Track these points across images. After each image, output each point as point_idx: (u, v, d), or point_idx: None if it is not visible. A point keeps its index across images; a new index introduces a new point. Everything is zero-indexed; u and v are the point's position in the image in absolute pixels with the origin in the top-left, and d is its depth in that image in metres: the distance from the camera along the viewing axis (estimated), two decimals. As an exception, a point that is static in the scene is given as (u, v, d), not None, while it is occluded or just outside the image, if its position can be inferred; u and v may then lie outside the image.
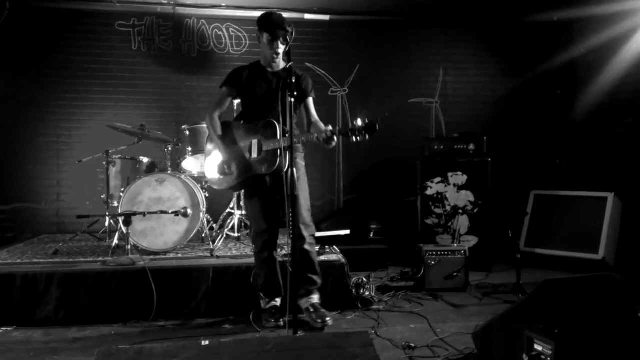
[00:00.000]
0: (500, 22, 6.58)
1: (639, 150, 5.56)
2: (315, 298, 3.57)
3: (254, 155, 3.44)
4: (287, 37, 3.24)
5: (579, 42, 6.42)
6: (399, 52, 6.45)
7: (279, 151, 3.31)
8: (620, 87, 5.86)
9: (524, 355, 2.33)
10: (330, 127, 3.21)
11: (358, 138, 3.03)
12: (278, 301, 3.63)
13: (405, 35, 6.50)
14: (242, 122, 3.61)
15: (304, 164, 3.67)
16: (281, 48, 3.45)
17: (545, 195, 5.63)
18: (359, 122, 3.03)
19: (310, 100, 3.63)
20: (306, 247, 3.48)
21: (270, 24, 3.38)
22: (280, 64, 3.55)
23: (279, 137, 3.33)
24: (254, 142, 3.46)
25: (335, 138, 3.19)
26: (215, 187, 3.64)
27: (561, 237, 5.31)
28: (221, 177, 3.54)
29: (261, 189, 3.51)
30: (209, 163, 3.68)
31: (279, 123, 3.35)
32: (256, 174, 3.41)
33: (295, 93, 3.45)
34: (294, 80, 3.29)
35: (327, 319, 3.43)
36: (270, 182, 3.48)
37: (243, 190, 3.70)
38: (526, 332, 2.35)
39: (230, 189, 3.65)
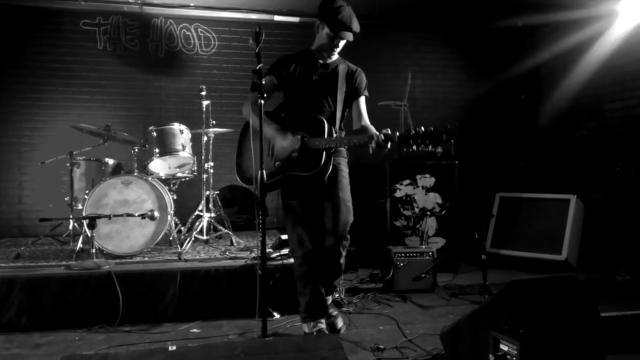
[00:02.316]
0: (467, 28, 6.70)
1: (599, 153, 5.73)
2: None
3: (294, 153, 3.12)
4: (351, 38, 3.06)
5: (543, 47, 6.58)
6: (368, 54, 6.49)
7: (323, 152, 3.06)
8: (582, 92, 6.03)
9: (490, 356, 2.37)
10: (387, 131, 2.91)
11: (420, 147, 2.81)
12: (323, 322, 3.24)
13: (375, 38, 6.55)
14: (282, 115, 3.31)
15: (347, 170, 3.38)
16: (341, 46, 3.21)
17: (510, 197, 5.74)
18: (423, 128, 2.81)
19: (363, 99, 3.38)
20: (342, 260, 3.33)
21: (337, 23, 3.06)
22: (335, 56, 3.28)
23: (325, 136, 3.07)
24: (296, 138, 3.13)
25: (390, 145, 2.90)
26: (251, 186, 3.15)
27: (526, 238, 5.42)
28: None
29: (300, 191, 3.20)
30: (247, 159, 3.21)
31: (326, 120, 3.11)
32: (293, 174, 3.12)
33: (346, 90, 3.25)
34: (347, 75, 3.17)
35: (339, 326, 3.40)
36: (310, 184, 3.16)
37: (280, 192, 3.31)
38: (492, 332, 2.39)
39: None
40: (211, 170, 4.98)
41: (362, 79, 3.38)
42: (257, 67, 2.78)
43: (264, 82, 2.87)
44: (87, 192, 4.41)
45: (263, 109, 2.75)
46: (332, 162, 3.16)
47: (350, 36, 3.13)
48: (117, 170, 4.72)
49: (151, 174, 4.67)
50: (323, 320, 3.24)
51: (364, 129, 3.25)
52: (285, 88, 3.30)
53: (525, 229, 5.48)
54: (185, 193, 5.57)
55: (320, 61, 3.27)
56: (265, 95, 2.72)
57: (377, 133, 2.94)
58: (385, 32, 6.58)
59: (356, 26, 3.12)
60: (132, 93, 5.99)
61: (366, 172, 6.30)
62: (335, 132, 3.21)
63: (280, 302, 3.77)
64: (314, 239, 3.19)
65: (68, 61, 5.84)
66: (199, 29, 6.16)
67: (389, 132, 2.92)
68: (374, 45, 6.52)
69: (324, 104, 3.27)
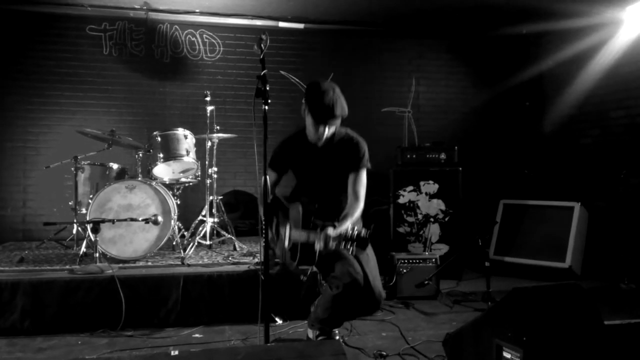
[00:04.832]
0: (472, 35, 6.70)
1: (604, 161, 5.71)
2: None
3: (286, 243, 3.01)
4: (335, 121, 2.85)
5: (547, 55, 6.58)
6: (373, 61, 6.51)
7: (298, 246, 2.87)
8: (586, 99, 6.02)
9: (493, 363, 2.36)
10: (329, 230, 2.62)
11: (347, 246, 2.53)
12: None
13: (379, 45, 6.56)
14: (287, 199, 3.21)
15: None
16: (327, 132, 2.95)
17: (514, 204, 5.73)
18: (355, 231, 2.53)
19: (361, 173, 3.11)
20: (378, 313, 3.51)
21: (319, 110, 2.86)
22: (326, 136, 3.00)
23: (300, 227, 2.89)
24: (287, 228, 3.01)
25: (330, 243, 2.60)
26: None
27: (529, 245, 5.40)
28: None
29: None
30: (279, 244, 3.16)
31: (308, 205, 2.94)
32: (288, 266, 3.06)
33: (343, 165, 3.03)
34: (345, 148, 2.97)
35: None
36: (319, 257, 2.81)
37: None
38: (495, 340, 2.38)
39: None
40: (215, 176, 4.99)
41: (361, 149, 3.11)
42: (262, 73, 2.77)
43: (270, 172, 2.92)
44: (91, 196, 4.43)
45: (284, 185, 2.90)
46: (316, 252, 2.79)
47: (335, 122, 2.93)
48: (121, 175, 4.73)
49: (155, 178, 4.68)
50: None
51: (340, 219, 2.90)
52: (292, 172, 3.23)
53: (529, 237, 5.47)
54: (189, 198, 5.58)
55: (314, 143, 3.07)
56: (275, 184, 2.89)
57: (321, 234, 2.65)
58: (389, 39, 6.58)
59: (340, 111, 2.90)
60: (137, 98, 6.01)
61: (369, 179, 6.30)
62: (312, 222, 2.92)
63: (283, 307, 3.77)
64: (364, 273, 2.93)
65: (74, 66, 5.87)
66: (204, 35, 6.18)
67: (330, 230, 2.63)
68: (377, 51, 6.52)
69: (321, 186, 3.13)
